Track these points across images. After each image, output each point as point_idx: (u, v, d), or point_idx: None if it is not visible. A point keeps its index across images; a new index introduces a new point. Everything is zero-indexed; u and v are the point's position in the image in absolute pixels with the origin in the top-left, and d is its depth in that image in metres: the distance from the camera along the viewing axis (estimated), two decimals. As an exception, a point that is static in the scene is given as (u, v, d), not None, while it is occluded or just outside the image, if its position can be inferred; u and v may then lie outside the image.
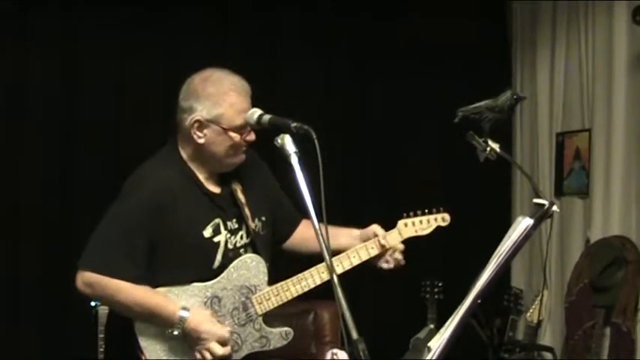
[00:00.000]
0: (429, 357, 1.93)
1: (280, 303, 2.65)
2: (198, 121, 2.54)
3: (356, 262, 2.70)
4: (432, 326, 4.50)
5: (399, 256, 2.75)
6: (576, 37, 4.71)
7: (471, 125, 2.39)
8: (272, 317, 2.68)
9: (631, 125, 4.34)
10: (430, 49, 4.95)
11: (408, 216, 2.79)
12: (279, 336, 2.66)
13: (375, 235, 2.74)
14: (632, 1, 4.15)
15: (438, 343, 1.94)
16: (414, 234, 2.78)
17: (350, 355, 1.92)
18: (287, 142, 2.21)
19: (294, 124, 2.27)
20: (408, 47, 4.92)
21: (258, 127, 2.52)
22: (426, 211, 2.80)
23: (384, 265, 2.75)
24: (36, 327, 4.11)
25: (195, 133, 2.55)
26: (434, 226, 2.80)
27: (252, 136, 2.59)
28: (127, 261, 2.49)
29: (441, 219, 2.81)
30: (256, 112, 2.51)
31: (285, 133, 2.25)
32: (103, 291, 2.51)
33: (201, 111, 2.53)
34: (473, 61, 4.95)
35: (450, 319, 1.98)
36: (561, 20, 4.84)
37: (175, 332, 2.50)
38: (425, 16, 4.92)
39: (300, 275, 2.65)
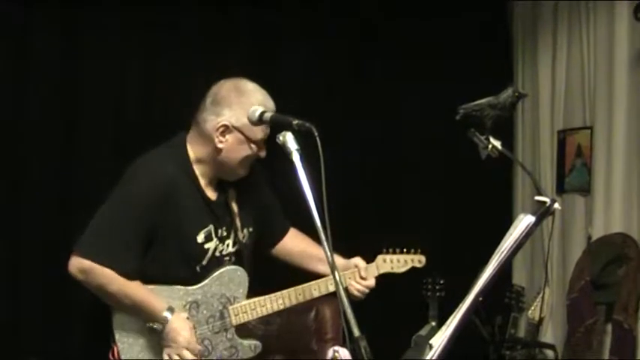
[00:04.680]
0: (430, 354, 1.93)
1: (255, 317, 2.75)
2: (225, 125, 2.56)
3: (324, 292, 2.79)
4: (433, 324, 4.49)
5: (362, 289, 2.84)
6: (577, 34, 4.70)
7: (473, 122, 2.39)
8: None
9: (632, 122, 4.33)
10: (431, 48, 4.93)
11: (387, 252, 2.95)
12: (248, 348, 2.74)
13: (356, 266, 2.83)
14: (633, -2, 4.16)
15: (439, 340, 1.95)
16: (389, 270, 2.93)
17: (352, 352, 1.93)
18: (288, 140, 2.23)
19: (295, 122, 2.30)
20: (409, 46, 4.91)
21: (259, 124, 2.55)
22: (405, 250, 2.98)
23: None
24: (36, 321, 4.12)
25: (217, 137, 2.58)
26: (409, 266, 2.98)
27: (263, 153, 2.63)
28: (125, 252, 2.51)
29: (417, 261, 3.00)
30: (258, 110, 2.53)
31: (286, 130, 2.26)
32: (96, 279, 2.52)
33: (231, 117, 2.56)
34: (474, 59, 4.93)
35: (451, 317, 1.98)
36: (562, 17, 4.84)
37: (155, 327, 2.55)
38: (426, 15, 4.90)
39: (278, 293, 2.75)
